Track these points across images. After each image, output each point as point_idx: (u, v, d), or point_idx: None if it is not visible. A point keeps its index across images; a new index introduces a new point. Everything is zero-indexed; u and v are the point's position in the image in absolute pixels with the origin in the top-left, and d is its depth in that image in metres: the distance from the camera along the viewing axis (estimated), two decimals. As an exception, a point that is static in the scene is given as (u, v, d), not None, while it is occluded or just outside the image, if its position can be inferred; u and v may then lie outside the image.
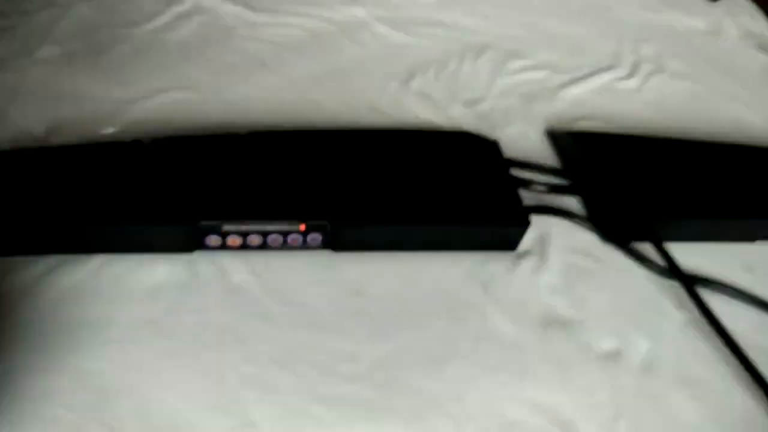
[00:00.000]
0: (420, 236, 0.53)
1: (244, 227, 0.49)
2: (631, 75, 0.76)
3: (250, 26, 0.73)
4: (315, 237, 0.50)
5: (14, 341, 0.42)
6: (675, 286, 0.53)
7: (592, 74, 0.75)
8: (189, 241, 0.49)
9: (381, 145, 0.58)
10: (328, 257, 0.51)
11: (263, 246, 0.50)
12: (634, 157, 0.62)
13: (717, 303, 0.52)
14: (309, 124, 0.62)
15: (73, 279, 0.47)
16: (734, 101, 0.75)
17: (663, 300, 0.53)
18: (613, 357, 0.48)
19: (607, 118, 0.69)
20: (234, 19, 0.74)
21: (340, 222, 0.50)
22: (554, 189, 0.58)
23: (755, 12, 0.89)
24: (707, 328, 0.50)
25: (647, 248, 0.55)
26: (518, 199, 0.54)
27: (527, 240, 0.55)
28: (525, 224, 0.53)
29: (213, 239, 0.49)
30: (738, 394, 0.47)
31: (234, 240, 0.50)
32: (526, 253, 0.54)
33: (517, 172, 0.59)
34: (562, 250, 0.55)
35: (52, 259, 0.48)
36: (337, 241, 0.51)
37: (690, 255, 0.55)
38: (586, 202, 0.59)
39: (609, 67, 0.76)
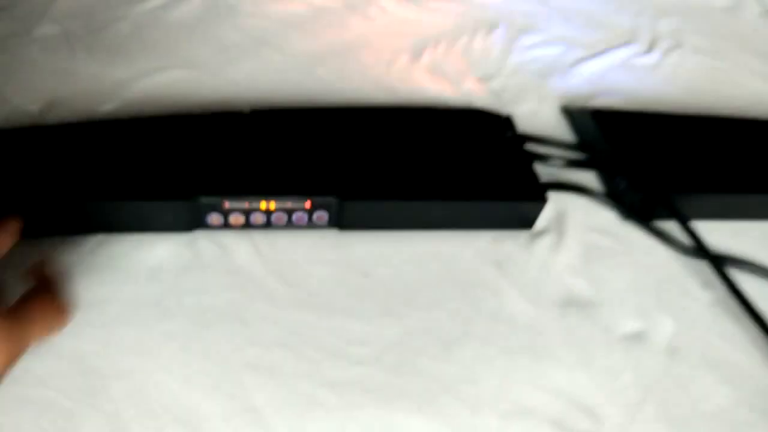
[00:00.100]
0: (431, 213, 0.50)
1: (246, 204, 0.46)
2: (649, 51, 0.73)
3: (252, 2, 0.71)
4: (321, 215, 0.48)
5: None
6: (700, 265, 0.51)
7: (608, 50, 0.72)
8: (189, 220, 0.47)
9: (389, 121, 0.55)
10: (335, 236, 0.49)
11: (267, 225, 0.48)
12: (655, 134, 0.59)
13: (745, 282, 0.49)
14: (314, 102, 0.60)
15: (69, 259, 0.45)
16: (755, 77, 0.72)
17: (688, 279, 0.50)
18: (637, 338, 0.45)
19: (624, 95, 0.67)
20: (236, -4, 0.71)
21: (348, 198, 0.47)
22: (572, 163, 0.56)
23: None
24: (736, 309, 0.48)
25: (669, 226, 0.53)
26: (534, 175, 0.52)
27: (543, 218, 0.52)
28: (542, 200, 0.50)
29: (214, 217, 0.47)
30: (770, 376, 0.44)
31: (237, 218, 0.47)
32: (542, 232, 0.52)
33: (532, 148, 0.56)
34: (580, 229, 0.52)
35: (46, 240, 0.45)
36: (344, 220, 0.49)
37: (713, 233, 0.52)
38: (606, 179, 0.56)
39: (626, 43, 0.73)
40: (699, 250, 0.50)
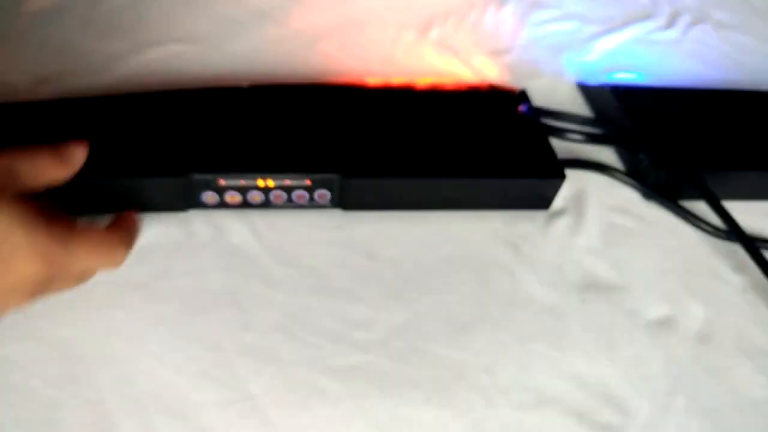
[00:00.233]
0: (441, 192, 0.47)
1: (242, 181, 0.43)
2: (669, 25, 0.69)
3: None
4: (323, 193, 0.45)
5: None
6: (731, 247, 0.47)
7: (626, 25, 0.68)
8: (183, 199, 0.44)
9: (396, 96, 0.52)
10: (337, 216, 0.46)
11: (266, 204, 0.45)
12: (679, 109, 0.55)
13: (780, 265, 0.45)
14: (316, 78, 0.57)
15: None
16: (783, 53, 0.68)
17: (718, 263, 0.46)
18: (665, 325, 0.42)
19: (644, 71, 0.63)
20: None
21: (351, 175, 0.44)
22: (591, 138, 0.52)
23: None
24: (772, 294, 0.44)
25: (695, 205, 0.49)
26: (552, 151, 0.48)
27: (561, 197, 0.49)
28: (560, 178, 0.47)
29: (209, 196, 0.44)
30: (810, 366, 0.41)
31: (233, 197, 0.44)
32: (560, 212, 0.48)
33: (548, 123, 0.53)
34: (601, 208, 0.49)
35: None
36: (347, 199, 0.46)
37: (742, 214, 0.48)
38: (627, 156, 0.53)
39: (645, 17, 0.70)
40: (732, 231, 0.46)
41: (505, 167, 0.47)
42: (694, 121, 0.54)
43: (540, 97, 0.56)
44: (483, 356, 0.39)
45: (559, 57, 0.63)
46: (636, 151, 0.51)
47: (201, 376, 0.36)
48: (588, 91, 0.60)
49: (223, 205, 0.45)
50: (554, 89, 0.59)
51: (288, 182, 0.44)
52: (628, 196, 0.51)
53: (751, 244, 0.46)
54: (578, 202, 0.49)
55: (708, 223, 0.48)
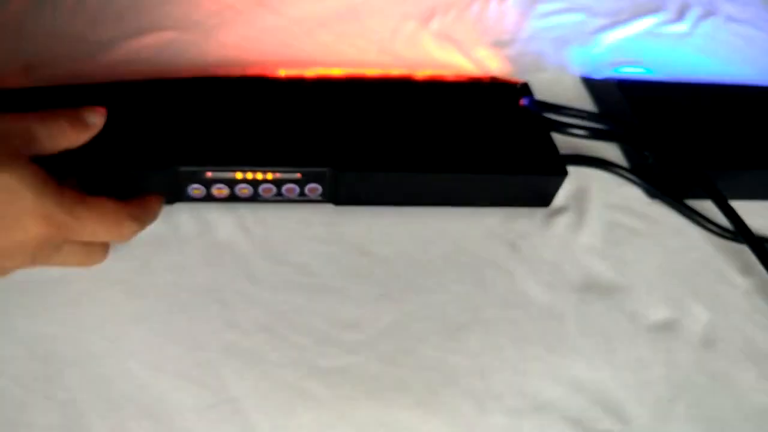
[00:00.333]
0: (437, 187, 0.45)
1: (230, 174, 0.42)
2: (678, 18, 0.67)
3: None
4: (314, 187, 0.43)
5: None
6: (737, 248, 0.45)
7: (633, 17, 0.66)
8: (168, 191, 0.42)
9: (393, 88, 0.50)
10: (329, 212, 0.44)
11: (254, 198, 0.43)
12: (686, 106, 0.53)
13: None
14: (312, 68, 0.55)
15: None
16: (795, 48, 0.66)
17: (724, 264, 0.45)
18: (667, 328, 0.40)
19: (652, 65, 0.61)
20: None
21: (343, 169, 0.42)
22: (595, 134, 0.50)
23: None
24: (779, 297, 0.42)
25: (700, 205, 0.47)
26: (553, 146, 0.46)
27: (562, 194, 0.47)
28: (561, 174, 0.45)
29: (196, 188, 0.42)
30: (819, 374, 0.39)
31: (220, 190, 0.43)
32: (560, 209, 0.47)
33: (550, 117, 0.51)
34: (603, 206, 0.47)
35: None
36: (339, 193, 0.44)
37: (750, 215, 0.46)
38: (632, 152, 0.51)
39: (653, 10, 0.67)
40: (739, 231, 0.44)
41: (505, 162, 0.45)
42: (703, 118, 0.52)
43: (543, 91, 0.54)
44: (476, 359, 0.38)
45: (563, 50, 0.61)
46: (641, 148, 0.49)
47: (180, 377, 0.35)
48: (593, 86, 0.58)
49: (210, 198, 0.43)
50: (558, 83, 0.57)
51: (278, 175, 0.42)
52: (631, 194, 0.49)
53: (759, 245, 0.44)
54: (580, 199, 0.47)
55: (714, 223, 0.46)
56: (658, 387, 0.37)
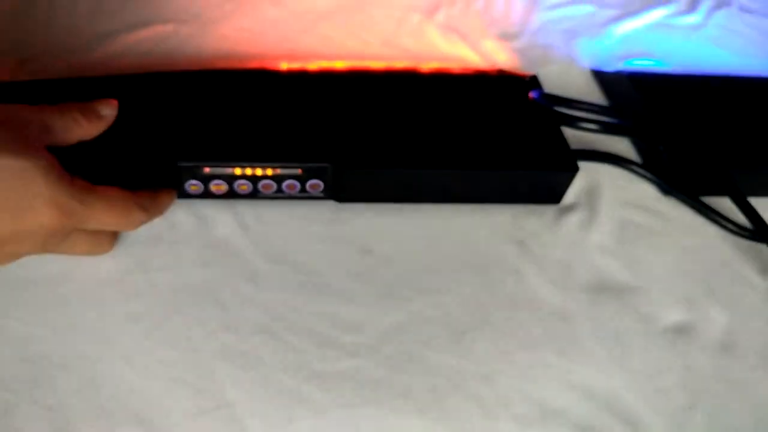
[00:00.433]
0: (442, 184, 0.43)
1: (229, 169, 0.40)
2: (691, 9, 0.65)
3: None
4: (315, 183, 0.42)
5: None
6: (757, 248, 0.44)
7: (644, 8, 0.64)
8: (166, 187, 0.41)
9: (398, 81, 0.48)
10: (331, 209, 0.43)
11: (254, 194, 0.42)
12: (701, 100, 0.52)
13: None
14: (314, 62, 0.53)
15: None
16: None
17: (743, 264, 0.43)
18: (683, 331, 0.39)
19: (663, 57, 0.59)
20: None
21: (346, 164, 0.41)
22: (606, 128, 0.48)
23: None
24: (800, 299, 0.41)
25: (717, 202, 0.46)
26: (564, 141, 0.45)
27: (572, 191, 0.45)
28: (572, 170, 0.43)
29: (193, 184, 0.41)
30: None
31: (218, 186, 0.41)
32: (571, 207, 0.45)
33: (560, 111, 0.49)
34: (615, 203, 0.46)
35: None
36: (341, 190, 0.42)
37: (766, 212, 0.45)
38: (645, 148, 0.49)
39: (665, 1, 0.65)
40: (758, 230, 0.43)
41: (513, 158, 0.43)
42: (717, 111, 0.50)
43: (552, 84, 0.53)
44: (483, 364, 0.36)
45: (573, 42, 0.60)
46: (654, 143, 0.48)
47: (174, 381, 0.33)
48: (603, 78, 0.56)
49: (208, 195, 0.42)
50: (567, 76, 0.56)
51: (278, 171, 0.41)
52: (644, 190, 0.47)
53: (779, 244, 0.42)
54: (591, 196, 0.46)
55: (732, 221, 0.45)
56: (674, 394, 0.36)
